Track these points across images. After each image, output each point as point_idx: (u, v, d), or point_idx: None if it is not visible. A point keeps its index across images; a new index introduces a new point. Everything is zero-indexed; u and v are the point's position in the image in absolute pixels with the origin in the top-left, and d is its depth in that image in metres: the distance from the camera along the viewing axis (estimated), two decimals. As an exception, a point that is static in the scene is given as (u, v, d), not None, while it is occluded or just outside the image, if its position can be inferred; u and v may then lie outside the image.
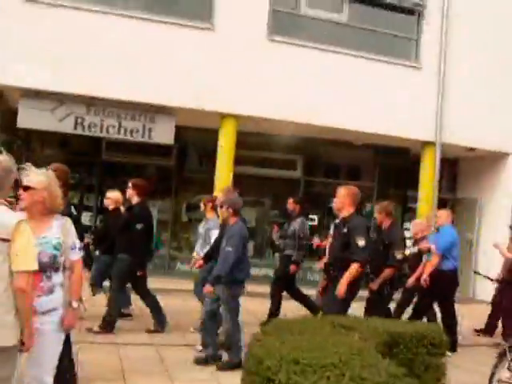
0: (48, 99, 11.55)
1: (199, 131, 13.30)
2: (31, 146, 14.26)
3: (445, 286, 8.53)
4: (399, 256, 7.52)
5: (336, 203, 6.76)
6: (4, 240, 3.35)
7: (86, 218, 14.18)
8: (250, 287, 8.19)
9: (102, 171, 14.42)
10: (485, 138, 13.57)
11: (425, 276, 8.35)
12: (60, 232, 3.98)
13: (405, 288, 8.74)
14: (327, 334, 3.98)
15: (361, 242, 6.33)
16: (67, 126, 11.78)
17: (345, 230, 6.49)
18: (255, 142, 13.68)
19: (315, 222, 14.96)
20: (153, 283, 8.80)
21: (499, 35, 13.60)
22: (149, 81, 11.45)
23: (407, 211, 15.32)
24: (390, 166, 15.37)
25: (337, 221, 6.88)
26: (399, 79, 13.09)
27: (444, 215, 9.06)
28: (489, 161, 14.67)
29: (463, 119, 13.21)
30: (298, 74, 12.34)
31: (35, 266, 3.47)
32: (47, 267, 3.87)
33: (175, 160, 14.41)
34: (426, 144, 13.47)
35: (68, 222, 4.12)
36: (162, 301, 8.47)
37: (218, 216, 7.76)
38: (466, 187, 15.69)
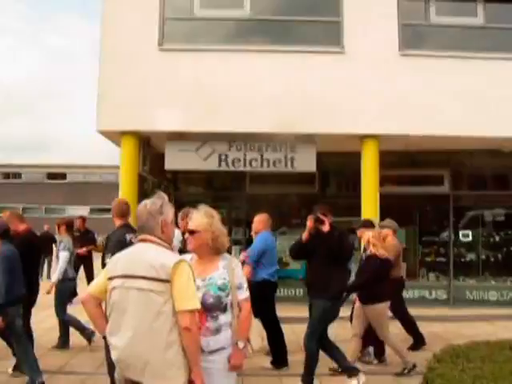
0: (192, 140, 12.02)
1: (340, 155, 13.20)
2: (177, 186, 14.90)
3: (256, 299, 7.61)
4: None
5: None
6: (163, 281, 3.42)
7: (235, 252, 14.43)
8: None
9: (247, 204, 14.66)
10: None
11: None
12: (226, 272, 3.99)
13: None
14: (508, 360, 3.69)
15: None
16: (212, 164, 12.14)
17: None
18: (398, 160, 13.34)
19: (469, 238, 14.32)
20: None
21: None
22: (285, 111, 11.54)
23: None
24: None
25: None
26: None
27: (257, 221, 8.32)
28: None
29: None
30: (435, 86, 11.88)
31: (197, 305, 3.52)
32: (213, 308, 3.87)
33: (318, 186, 14.40)
34: None
35: (233, 261, 4.14)
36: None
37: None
38: None
